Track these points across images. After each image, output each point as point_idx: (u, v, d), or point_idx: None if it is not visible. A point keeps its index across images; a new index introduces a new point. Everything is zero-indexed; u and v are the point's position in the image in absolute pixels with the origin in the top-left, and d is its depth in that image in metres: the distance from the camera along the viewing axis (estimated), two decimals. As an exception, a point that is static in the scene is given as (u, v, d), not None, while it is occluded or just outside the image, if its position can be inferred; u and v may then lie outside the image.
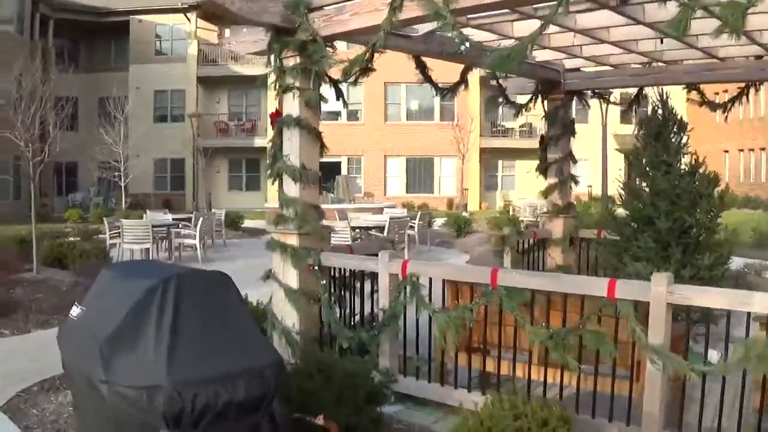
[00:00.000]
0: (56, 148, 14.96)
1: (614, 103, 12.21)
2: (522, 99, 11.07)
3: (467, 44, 5.36)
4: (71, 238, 20.69)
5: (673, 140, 8.54)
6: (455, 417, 6.12)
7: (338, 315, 6.91)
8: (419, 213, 19.99)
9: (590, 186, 42.04)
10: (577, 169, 36.80)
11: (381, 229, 16.72)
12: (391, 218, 17.45)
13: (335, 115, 43.54)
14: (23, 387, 7.23)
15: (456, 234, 22.31)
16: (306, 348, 6.54)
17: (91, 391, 3.95)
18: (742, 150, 41.92)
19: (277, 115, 7.17)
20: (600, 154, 42.91)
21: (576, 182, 11.41)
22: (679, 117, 8.66)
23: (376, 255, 7.41)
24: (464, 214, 34.23)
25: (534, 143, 39.58)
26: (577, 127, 11.09)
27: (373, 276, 7.01)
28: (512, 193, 44.99)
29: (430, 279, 6.33)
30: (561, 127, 10.90)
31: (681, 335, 5.33)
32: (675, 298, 4.94)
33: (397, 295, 6.30)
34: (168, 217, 20.24)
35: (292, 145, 6.99)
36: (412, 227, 18.77)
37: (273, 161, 7.14)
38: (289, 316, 6.97)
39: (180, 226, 18.81)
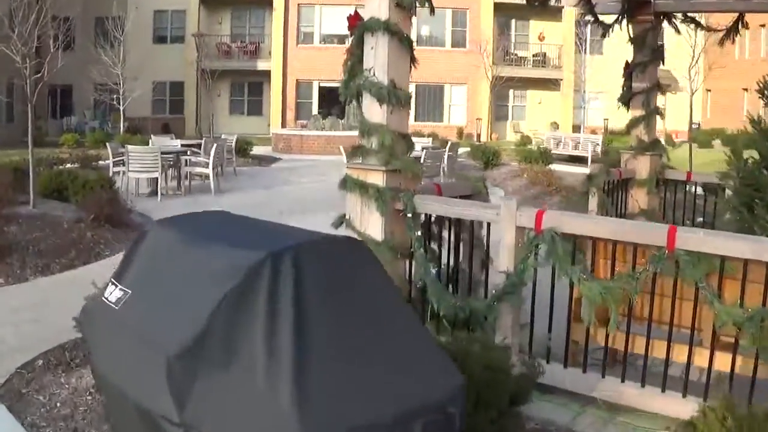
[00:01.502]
0: (56, 65, 13.19)
1: (708, 29, 10.55)
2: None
3: None
4: (69, 165, 19.14)
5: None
6: (597, 411, 4.71)
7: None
8: (449, 143, 18.35)
9: (606, 119, 40.37)
10: (589, 102, 35.38)
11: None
12: (424, 149, 15.79)
13: (342, 38, 41.55)
14: (24, 360, 5.69)
15: (483, 166, 20.70)
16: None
17: (148, 429, 2.42)
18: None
19: (356, 19, 5.55)
20: (617, 87, 41.24)
21: (661, 115, 9.79)
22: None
23: (467, 197, 6.01)
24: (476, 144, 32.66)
25: (547, 73, 38.32)
26: (594, 58, 9.52)
27: (459, 223, 5.50)
28: (522, 124, 43.39)
29: (574, 236, 4.79)
30: (649, 53, 9.30)
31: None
32: None
33: (528, 256, 4.77)
34: (176, 143, 18.53)
35: (378, 57, 5.39)
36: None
37: (350, 77, 5.55)
38: (368, 275, 5.45)
39: (189, 153, 17.15)
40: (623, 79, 9.82)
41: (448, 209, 5.36)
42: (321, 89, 41.48)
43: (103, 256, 9.77)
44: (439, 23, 41.85)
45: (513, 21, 43.03)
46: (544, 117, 42.57)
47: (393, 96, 5.34)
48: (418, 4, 5.51)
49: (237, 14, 42.53)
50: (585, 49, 40.91)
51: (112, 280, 2.98)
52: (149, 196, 15.29)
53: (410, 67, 5.63)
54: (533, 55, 42.66)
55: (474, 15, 41.21)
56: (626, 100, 9.66)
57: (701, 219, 9.52)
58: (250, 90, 42.45)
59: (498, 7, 40.78)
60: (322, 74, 40.87)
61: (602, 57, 39.57)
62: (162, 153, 15.08)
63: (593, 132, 37.27)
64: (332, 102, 40.69)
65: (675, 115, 41.66)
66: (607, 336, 4.70)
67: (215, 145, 16.21)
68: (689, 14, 9.76)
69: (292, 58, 40.76)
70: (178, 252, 2.80)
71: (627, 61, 9.74)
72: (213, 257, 2.57)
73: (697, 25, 10.21)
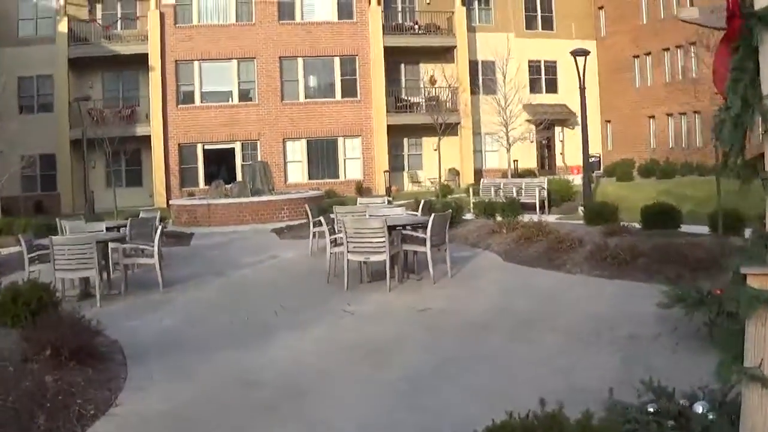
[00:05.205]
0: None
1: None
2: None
3: None
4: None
5: None
6: None
7: None
8: (422, 202, 15.82)
9: (516, 160, 38.80)
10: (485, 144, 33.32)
11: (417, 227, 12.42)
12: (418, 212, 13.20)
13: (225, 95, 38.68)
14: None
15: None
16: None
17: None
18: (671, 114, 39.32)
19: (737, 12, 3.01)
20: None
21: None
22: None
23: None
24: (389, 198, 30.07)
25: (442, 117, 35.87)
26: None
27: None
28: (420, 174, 41.62)
29: None
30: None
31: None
32: None
33: None
34: (100, 225, 15.21)
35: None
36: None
37: (743, 105, 2.99)
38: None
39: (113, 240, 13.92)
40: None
41: None
42: (206, 152, 38.36)
43: (88, 417, 6.50)
44: (327, 73, 39.69)
45: (402, 66, 41.38)
46: (442, 164, 40.71)
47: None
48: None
49: (109, 77, 38.87)
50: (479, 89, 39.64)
51: None
52: (80, 300, 11.99)
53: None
54: (426, 100, 40.74)
55: (363, 61, 39.23)
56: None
57: None
58: (128, 159, 38.49)
59: (387, 52, 38.98)
60: (206, 136, 37.92)
61: (495, 97, 37.94)
62: (98, 242, 11.91)
63: (504, 175, 35.68)
64: (219, 165, 37.74)
65: (573, 150, 40.61)
66: None
67: (159, 227, 13.12)
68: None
69: (172, 121, 37.49)
70: None
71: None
72: None
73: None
